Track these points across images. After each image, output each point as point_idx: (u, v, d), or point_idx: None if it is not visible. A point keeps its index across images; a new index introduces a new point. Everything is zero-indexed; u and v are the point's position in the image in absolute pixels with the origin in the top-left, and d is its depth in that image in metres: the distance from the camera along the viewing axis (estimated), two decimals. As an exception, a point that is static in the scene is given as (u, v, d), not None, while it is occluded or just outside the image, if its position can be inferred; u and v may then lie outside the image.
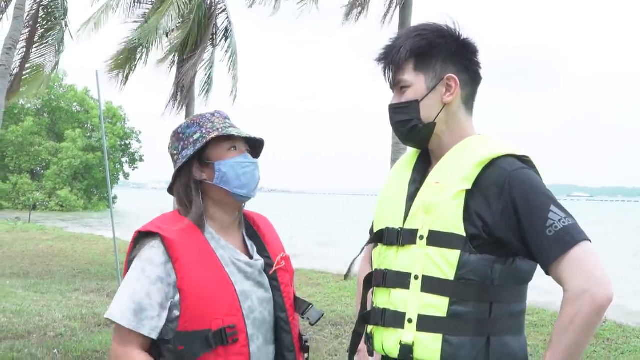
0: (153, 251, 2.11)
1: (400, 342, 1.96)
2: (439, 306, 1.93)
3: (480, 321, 1.93)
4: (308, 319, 2.30)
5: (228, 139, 2.23)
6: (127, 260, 2.19)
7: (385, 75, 2.13)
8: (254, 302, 2.19)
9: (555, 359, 1.81)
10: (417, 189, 2.09)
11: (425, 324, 1.94)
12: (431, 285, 1.94)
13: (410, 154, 2.28)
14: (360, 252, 2.43)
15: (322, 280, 13.88)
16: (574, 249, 1.82)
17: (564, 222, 1.85)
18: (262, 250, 2.32)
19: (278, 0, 15.24)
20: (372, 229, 2.32)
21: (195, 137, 2.22)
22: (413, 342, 1.94)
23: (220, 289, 2.11)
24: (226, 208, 2.27)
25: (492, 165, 1.96)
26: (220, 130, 2.21)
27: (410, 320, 1.95)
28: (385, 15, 13.04)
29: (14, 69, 14.67)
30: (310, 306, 2.31)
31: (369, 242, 2.28)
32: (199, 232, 2.18)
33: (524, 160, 2.01)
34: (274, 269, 2.28)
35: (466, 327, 1.92)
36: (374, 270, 2.16)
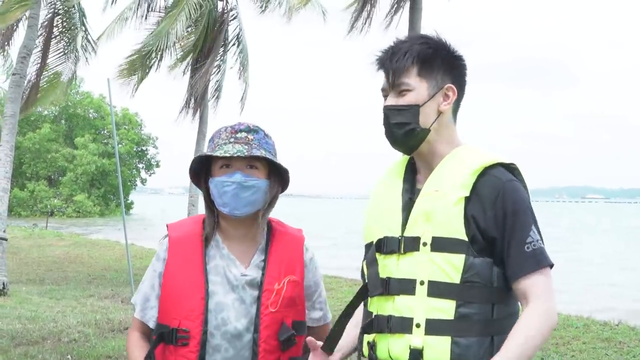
0: (161, 247, 2.36)
1: (410, 346, 2.00)
2: (446, 309, 1.99)
3: (485, 322, 2.01)
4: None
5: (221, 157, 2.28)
6: None
7: (387, 76, 2.15)
8: (230, 315, 2.24)
9: (513, 352, 1.92)
10: (410, 198, 2.15)
11: (434, 327, 1.99)
12: (437, 289, 2.00)
13: (397, 164, 2.32)
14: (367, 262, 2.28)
15: (336, 285, 13.91)
16: (545, 269, 2.03)
17: (540, 244, 2.04)
18: (264, 268, 2.32)
19: (285, 5, 15.36)
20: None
21: (206, 152, 2.32)
22: (422, 346, 1.99)
23: (190, 294, 2.24)
24: (229, 221, 2.33)
25: (486, 174, 2.07)
26: (213, 148, 2.30)
27: (418, 325, 2.00)
28: (392, 16, 13.07)
29: (30, 78, 14.81)
30: (293, 342, 2.28)
31: (369, 252, 2.23)
32: (201, 238, 2.32)
33: (512, 168, 2.13)
34: (262, 289, 2.28)
35: (473, 328, 1.99)
36: (371, 280, 2.16)
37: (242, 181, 2.25)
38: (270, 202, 2.36)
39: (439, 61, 2.15)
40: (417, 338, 2.00)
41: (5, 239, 11.61)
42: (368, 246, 2.24)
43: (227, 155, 2.23)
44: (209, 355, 2.21)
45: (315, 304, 2.45)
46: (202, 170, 2.37)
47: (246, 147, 2.26)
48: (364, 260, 2.25)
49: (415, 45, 2.13)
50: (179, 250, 2.31)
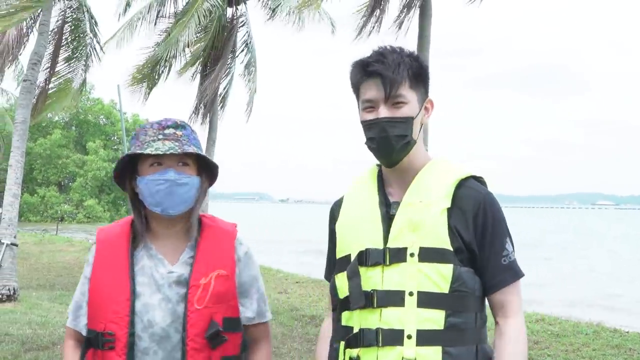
0: (90, 252, 2.32)
1: (402, 358, 2.00)
2: (436, 319, 2.00)
3: (471, 330, 2.04)
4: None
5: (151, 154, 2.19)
6: None
7: (385, 87, 2.10)
8: (156, 316, 2.16)
9: None
10: (387, 211, 2.15)
11: (425, 338, 2.00)
12: (427, 299, 2.01)
13: (367, 176, 2.30)
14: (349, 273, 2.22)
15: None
16: (518, 281, 2.13)
17: (513, 255, 2.13)
18: (192, 264, 2.23)
19: (294, 13, 15.39)
20: (330, 258, 2.31)
21: (131, 150, 2.23)
22: (415, 358, 1.99)
23: (114, 296, 2.17)
24: (158, 220, 2.26)
25: (462, 186, 2.11)
26: (140, 145, 2.20)
27: (409, 336, 2.00)
28: (401, 24, 13.05)
29: (41, 85, 14.88)
30: (222, 339, 2.17)
31: (350, 264, 2.17)
32: (128, 239, 2.27)
33: (481, 181, 2.19)
34: (189, 286, 2.18)
35: (462, 337, 2.02)
36: (354, 293, 2.11)
37: (176, 179, 2.18)
38: (200, 199, 2.28)
39: (423, 75, 2.17)
40: (409, 350, 2.00)
41: (16, 245, 11.65)
42: (344, 259, 2.19)
43: (159, 152, 2.15)
44: (138, 359, 2.14)
45: (252, 301, 2.31)
46: (125, 169, 2.28)
47: (177, 143, 2.18)
48: (337, 273, 2.21)
49: (405, 57, 2.13)
50: (105, 254, 2.25)
